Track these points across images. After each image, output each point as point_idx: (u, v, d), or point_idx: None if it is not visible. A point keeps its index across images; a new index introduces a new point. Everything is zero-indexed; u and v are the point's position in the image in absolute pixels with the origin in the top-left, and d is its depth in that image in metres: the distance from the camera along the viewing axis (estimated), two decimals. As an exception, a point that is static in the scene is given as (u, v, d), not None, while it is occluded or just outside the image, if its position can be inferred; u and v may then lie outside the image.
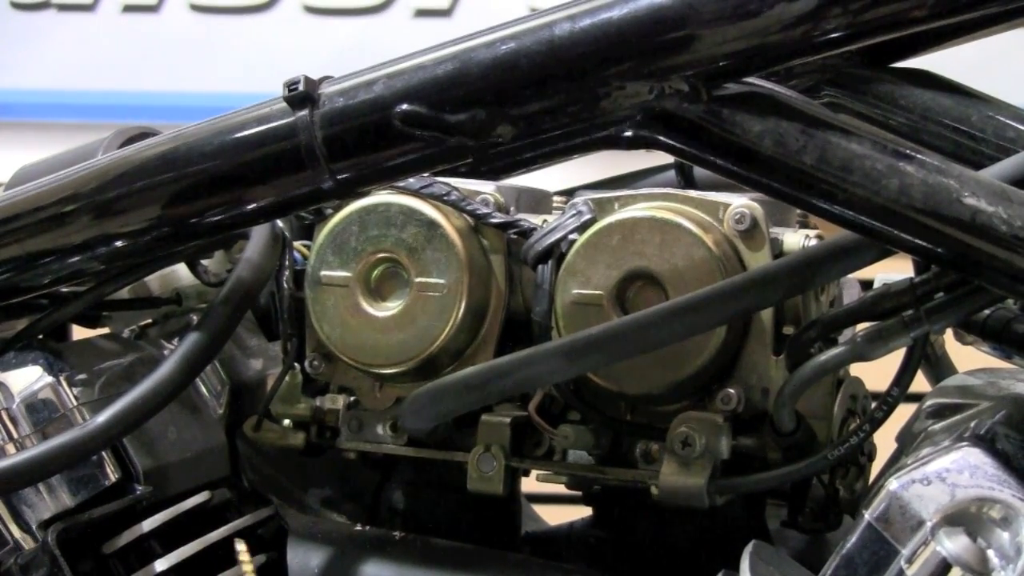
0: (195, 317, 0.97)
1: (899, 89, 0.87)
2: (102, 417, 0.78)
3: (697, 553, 0.87)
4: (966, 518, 0.62)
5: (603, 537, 0.92)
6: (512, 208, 0.87)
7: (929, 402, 0.78)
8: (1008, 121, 0.84)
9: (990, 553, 0.61)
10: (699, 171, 0.98)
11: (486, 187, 0.87)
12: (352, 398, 0.90)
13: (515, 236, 0.86)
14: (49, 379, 0.83)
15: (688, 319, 0.74)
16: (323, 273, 0.87)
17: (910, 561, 0.61)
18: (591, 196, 0.85)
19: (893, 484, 0.63)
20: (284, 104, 0.71)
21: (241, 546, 0.79)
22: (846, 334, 0.81)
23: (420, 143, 0.69)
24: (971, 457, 0.64)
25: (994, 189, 0.62)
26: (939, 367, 0.95)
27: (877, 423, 0.78)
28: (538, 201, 0.90)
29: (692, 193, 0.84)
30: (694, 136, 0.67)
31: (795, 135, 0.65)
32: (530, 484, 0.92)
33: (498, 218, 0.86)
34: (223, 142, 0.73)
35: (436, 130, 0.68)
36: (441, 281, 0.84)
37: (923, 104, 0.86)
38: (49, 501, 0.81)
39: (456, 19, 2.74)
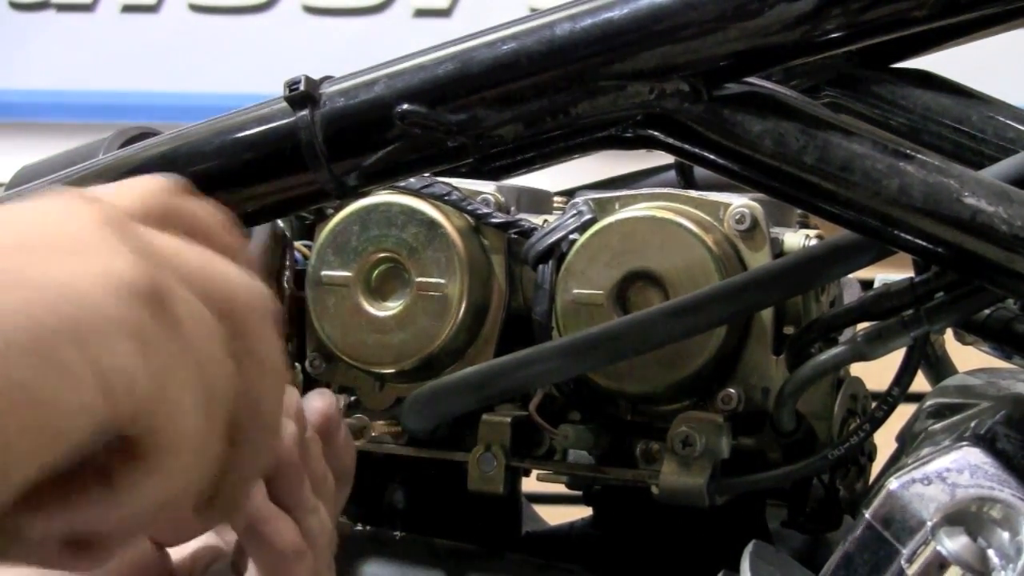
0: (196, 317, 0.97)
1: (899, 89, 0.87)
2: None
3: (697, 553, 0.87)
4: (966, 518, 0.62)
5: (603, 537, 0.92)
6: (513, 208, 0.87)
7: (929, 402, 0.78)
8: (1008, 121, 0.84)
9: (990, 552, 0.61)
10: (699, 171, 0.97)
11: (487, 187, 0.87)
12: (353, 398, 0.90)
13: (516, 236, 0.86)
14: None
15: (688, 319, 0.75)
16: (324, 273, 0.87)
17: (910, 560, 0.61)
18: (592, 196, 0.85)
19: (893, 484, 0.63)
20: (285, 104, 0.71)
21: None
22: (846, 334, 0.81)
23: (421, 143, 0.69)
24: (971, 457, 0.64)
25: (994, 189, 0.63)
26: (939, 367, 0.95)
27: (877, 423, 0.78)
28: (539, 201, 0.90)
29: (692, 193, 0.84)
30: (694, 136, 0.67)
31: (795, 135, 0.65)
32: (530, 484, 0.92)
33: (499, 218, 0.86)
34: (223, 142, 0.73)
35: (437, 130, 0.68)
36: (442, 281, 0.84)
37: (923, 104, 0.86)
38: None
39: (456, 19, 2.73)
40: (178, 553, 0.66)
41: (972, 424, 0.67)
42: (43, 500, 0.43)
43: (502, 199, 0.87)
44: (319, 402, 0.66)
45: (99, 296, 0.43)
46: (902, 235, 0.64)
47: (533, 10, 0.69)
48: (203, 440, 0.46)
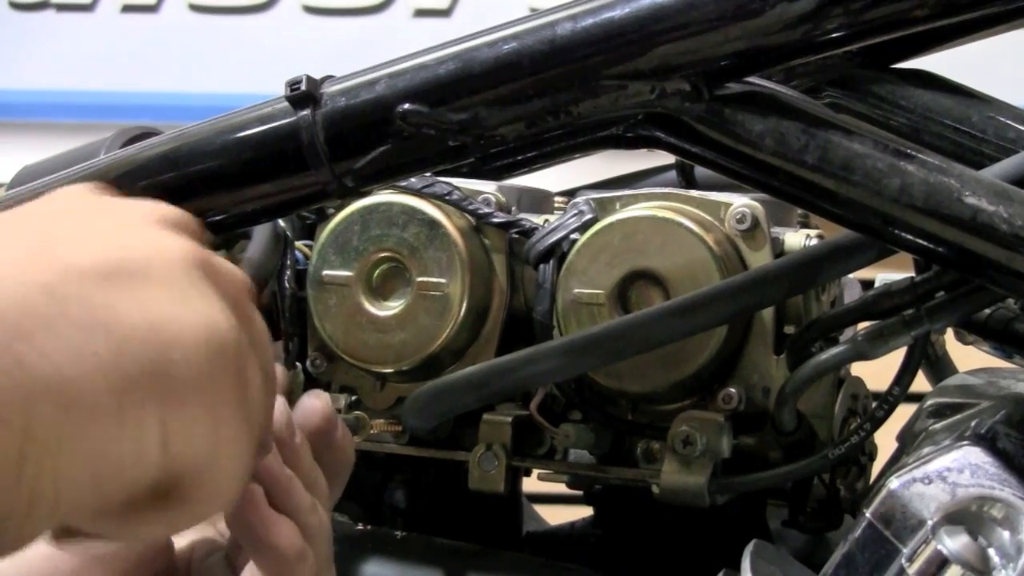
0: (197, 317, 0.97)
1: (900, 89, 0.87)
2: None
3: (698, 552, 0.87)
4: (967, 517, 0.62)
5: (604, 537, 0.92)
6: (514, 208, 0.88)
7: (930, 401, 0.78)
8: (1009, 122, 0.85)
9: (991, 552, 0.61)
10: (700, 171, 0.98)
11: (488, 187, 0.87)
12: (354, 397, 0.90)
13: (517, 235, 0.86)
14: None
15: (689, 318, 0.75)
16: (325, 272, 0.87)
17: (911, 559, 0.61)
18: (593, 196, 0.85)
19: (894, 483, 0.63)
20: (286, 104, 0.71)
21: None
22: (847, 333, 0.81)
23: (422, 143, 0.69)
24: (972, 456, 0.64)
25: (995, 188, 0.63)
26: (939, 367, 0.96)
27: (878, 422, 0.78)
28: (540, 201, 0.91)
29: (693, 193, 0.84)
30: (695, 135, 0.67)
31: (796, 134, 0.65)
32: (531, 484, 0.92)
33: (500, 218, 0.86)
34: (225, 142, 0.73)
35: (438, 130, 0.68)
36: (443, 280, 0.84)
37: (924, 104, 0.86)
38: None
39: (456, 19, 2.73)
40: (177, 543, 0.67)
41: (973, 423, 0.67)
42: (125, 515, 0.44)
43: (503, 199, 0.87)
44: (317, 402, 0.67)
45: (192, 350, 0.42)
46: (903, 234, 0.64)
47: (533, 10, 0.69)
48: (236, 487, 0.46)
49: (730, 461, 0.82)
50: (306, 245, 0.92)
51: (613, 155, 0.76)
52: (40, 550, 0.49)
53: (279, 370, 0.68)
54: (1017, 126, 0.84)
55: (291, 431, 0.63)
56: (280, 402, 0.63)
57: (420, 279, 0.85)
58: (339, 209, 0.87)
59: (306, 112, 0.70)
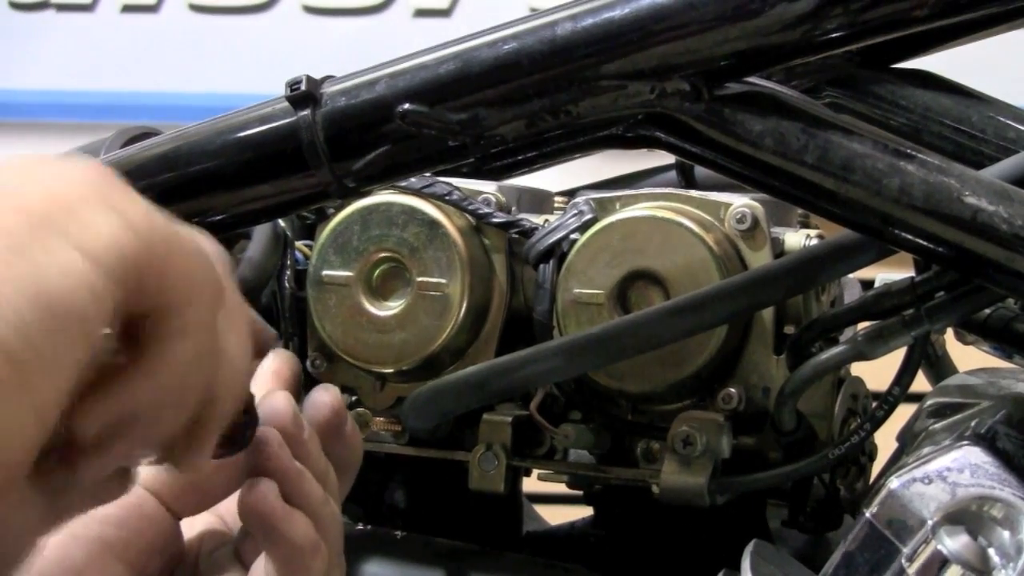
0: (196, 316, 0.97)
1: (900, 89, 0.87)
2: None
3: (698, 552, 0.87)
4: (967, 517, 0.62)
5: (604, 537, 0.92)
6: (514, 208, 0.88)
7: (930, 401, 0.79)
8: (1008, 121, 0.85)
9: (991, 551, 0.61)
10: (700, 171, 0.98)
11: (488, 187, 0.87)
12: (354, 397, 0.90)
13: (517, 236, 0.86)
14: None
15: (689, 318, 0.75)
16: (325, 272, 0.87)
17: (911, 559, 0.61)
18: (592, 196, 0.85)
19: (894, 483, 0.63)
20: (286, 104, 0.71)
21: None
22: (847, 333, 0.81)
23: (422, 143, 0.69)
24: (972, 456, 0.64)
25: (995, 188, 0.63)
26: (939, 367, 0.96)
27: (878, 422, 0.78)
28: (539, 201, 0.90)
29: (693, 193, 0.84)
30: (695, 135, 0.67)
31: (796, 134, 0.65)
32: (531, 484, 0.92)
33: (500, 218, 0.86)
34: (225, 142, 0.73)
35: (438, 130, 0.68)
36: (442, 280, 0.84)
37: (924, 104, 0.86)
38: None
39: (456, 19, 2.73)
40: (186, 534, 0.67)
41: (972, 423, 0.67)
42: (90, 399, 0.46)
43: (503, 199, 0.87)
44: (326, 396, 0.67)
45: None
46: (903, 234, 0.64)
47: (533, 10, 0.69)
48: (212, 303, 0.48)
49: (730, 461, 0.82)
50: (306, 245, 0.92)
51: (613, 155, 0.76)
52: (52, 539, 0.49)
53: (284, 360, 0.69)
54: (1017, 126, 0.84)
55: (299, 425, 0.63)
56: (286, 397, 0.63)
57: (420, 279, 0.85)
58: (339, 209, 0.87)
59: (306, 112, 0.70)
